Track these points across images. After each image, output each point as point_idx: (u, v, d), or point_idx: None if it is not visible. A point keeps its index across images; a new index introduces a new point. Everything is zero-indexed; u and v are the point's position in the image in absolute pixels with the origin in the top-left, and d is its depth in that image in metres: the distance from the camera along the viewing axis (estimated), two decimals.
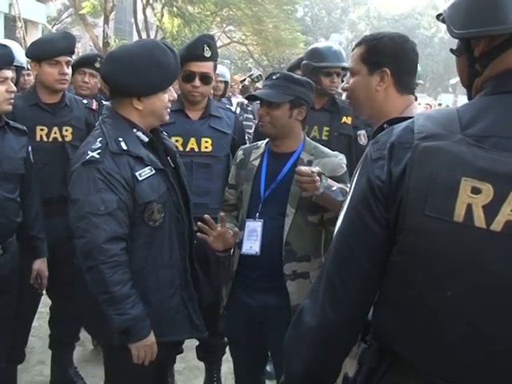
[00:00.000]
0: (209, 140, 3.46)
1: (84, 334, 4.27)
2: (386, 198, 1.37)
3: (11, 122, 3.21)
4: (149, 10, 24.86)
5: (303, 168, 2.61)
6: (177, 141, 3.38)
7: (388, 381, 1.44)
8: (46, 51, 3.59)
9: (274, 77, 2.88)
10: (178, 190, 2.67)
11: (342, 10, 55.95)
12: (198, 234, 2.75)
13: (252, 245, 2.80)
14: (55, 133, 3.67)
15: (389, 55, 2.16)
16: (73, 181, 2.50)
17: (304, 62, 4.13)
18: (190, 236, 2.75)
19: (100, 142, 2.50)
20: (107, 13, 22.28)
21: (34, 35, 19.34)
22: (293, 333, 1.56)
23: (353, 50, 2.29)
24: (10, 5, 17.40)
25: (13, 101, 3.11)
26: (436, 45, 52.99)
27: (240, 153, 3.05)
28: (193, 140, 3.44)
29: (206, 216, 2.75)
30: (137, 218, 2.51)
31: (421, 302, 1.34)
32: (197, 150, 3.44)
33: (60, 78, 3.61)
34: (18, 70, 4.61)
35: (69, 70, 3.68)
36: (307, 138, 2.97)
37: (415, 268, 1.33)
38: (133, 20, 25.64)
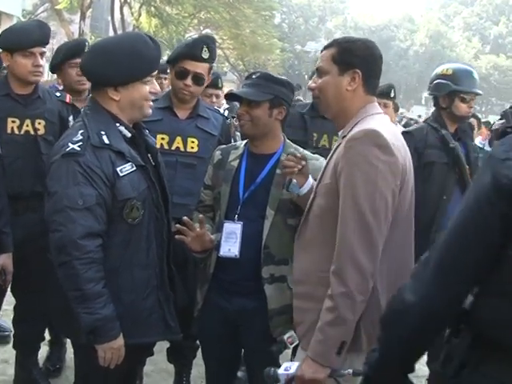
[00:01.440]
0: (195, 140, 3.37)
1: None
2: (511, 195, 1.44)
3: None
4: (126, 9, 24.76)
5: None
6: (163, 138, 3.31)
7: (481, 374, 1.52)
8: (19, 42, 3.41)
9: (253, 76, 2.82)
10: (157, 188, 2.60)
11: (319, 19, 56.38)
12: (176, 236, 2.67)
13: (231, 247, 2.72)
14: (27, 125, 3.50)
15: (361, 58, 2.26)
16: (51, 173, 2.41)
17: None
18: (168, 236, 2.67)
19: (81, 134, 2.42)
20: (84, 9, 22.15)
21: None
22: (394, 307, 1.68)
23: (321, 51, 2.35)
24: None
25: None
26: (410, 57, 53.63)
27: (217, 153, 2.97)
28: (179, 139, 3.35)
29: (184, 218, 2.68)
30: (115, 215, 2.43)
31: None
32: (182, 149, 3.35)
33: (34, 70, 3.43)
34: None
35: (43, 62, 3.52)
36: (287, 140, 2.91)
37: None
38: (110, 18, 25.48)
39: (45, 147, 3.45)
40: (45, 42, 3.50)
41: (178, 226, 2.65)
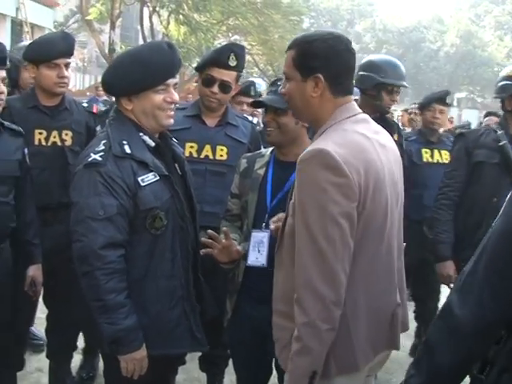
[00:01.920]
0: (224, 148, 3.37)
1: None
2: None
3: (6, 123, 3.12)
4: (155, 18, 24.90)
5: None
6: (191, 147, 3.31)
7: None
8: (44, 53, 3.45)
9: (279, 82, 2.77)
10: (183, 198, 2.58)
11: (347, 22, 56.13)
12: (202, 250, 2.65)
13: (258, 256, 2.70)
14: (54, 137, 3.54)
15: (321, 59, 2.06)
16: (74, 183, 2.44)
17: (364, 73, 3.99)
18: (195, 246, 2.66)
19: (104, 144, 2.43)
20: (113, 19, 22.34)
21: None
22: (442, 325, 1.64)
23: (285, 52, 2.20)
24: (17, 9, 17.39)
25: (2, 102, 3.00)
26: (441, 58, 53.02)
27: (243, 161, 2.95)
28: (208, 147, 3.35)
29: (209, 231, 2.66)
30: (138, 225, 2.43)
31: None
32: (211, 157, 3.35)
33: (59, 81, 3.47)
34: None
35: (68, 73, 3.53)
36: None
37: None
38: (139, 27, 25.69)
39: (72, 158, 3.48)
40: (69, 53, 3.52)
41: (203, 239, 2.63)
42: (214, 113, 3.41)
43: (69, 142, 3.57)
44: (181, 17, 22.97)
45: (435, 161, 4.79)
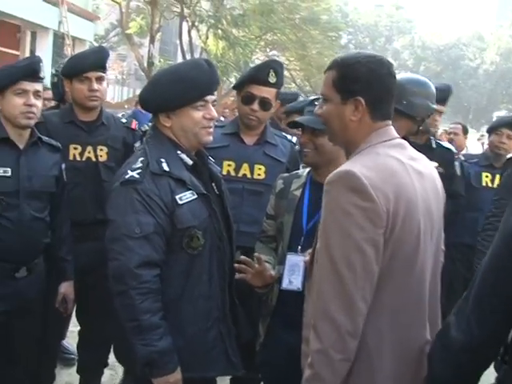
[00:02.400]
0: (262, 167, 3.31)
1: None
2: None
3: (45, 138, 3.12)
4: (194, 32, 25.14)
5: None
6: (229, 165, 3.26)
7: None
8: (74, 67, 3.47)
9: (316, 102, 2.70)
10: (220, 217, 2.53)
11: (386, 39, 55.97)
12: (237, 276, 2.60)
13: (293, 280, 2.63)
14: (89, 152, 3.51)
15: (363, 83, 1.99)
16: (111, 201, 2.41)
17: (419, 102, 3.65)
18: (231, 267, 2.60)
19: (141, 161, 2.40)
20: (153, 33, 22.60)
21: None
22: (439, 344, 1.81)
23: (324, 73, 2.11)
24: (60, 22, 17.66)
25: (33, 115, 2.97)
26: (480, 76, 52.49)
27: (279, 182, 2.89)
28: (246, 166, 3.29)
29: (242, 257, 2.61)
30: (175, 244, 2.38)
31: None
32: (249, 176, 3.29)
33: (90, 95, 3.44)
34: None
35: (102, 86, 3.50)
36: None
37: None
38: (178, 41, 25.95)
39: (106, 174, 3.46)
40: (100, 66, 3.49)
41: (236, 265, 2.57)
42: (253, 131, 3.36)
43: (104, 158, 3.54)
44: (219, 31, 23.14)
45: (495, 186, 4.56)
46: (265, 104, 3.25)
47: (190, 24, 24.34)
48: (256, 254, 2.61)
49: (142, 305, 2.25)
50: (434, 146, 4.07)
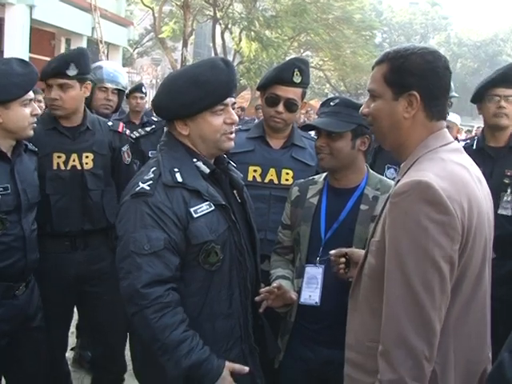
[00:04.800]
0: (290, 172, 3.11)
1: None
2: None
3: (30, 146, 3.00)
4: (227, 35, 25.19)
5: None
6: (255, 170, 3.09)
7: None
8: (41, 73, 3.19)
9: (331, 103, 2.55)
10: (242, 228, 2.36)
11: (421, 36, 55.31)
12: (256, 298, 2.43)
13: (311, 294, 2.48)
14: (74, 160, 3.28)
15: (418, 76, 1.81)
16: (120, 215, 2.23)
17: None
18: (256, 281, 2.44)
19: (153, 172, 2.22)
20: (186, 37, 22.70)
21: (115, 58, 19.78)
22: None
23: (372, 68, 1.92)
24: (93, 28, 17.82)
25: (35, 125, 2.87)
26: None
27: (295, 189, 2.73)
28: (272, 171, 3.11)
29: (261, 290, 2.44)
30: (191, 260, 2.20)
31: None
32: (276, 181, 3.10)
33: (50, 104, 3.27)
34: (121, 93, 4.45)
35: (65, 94, 3.21)
36: (371, 171, 2.64)
37: None
38: (211, 44, 26.02)
39: (93, 182, 3.31)
40: (62, 73, 3.21)
41: (257, 298, 2.41)
42: (280, 134, 3.18)
43: (89, 166, 3.33)
44: (252, 33, 23.10)
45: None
46: (290, 105, 3.07)
47: (222, 27, 24.41)
48: (275, 284, 2.45)
49: (159, 323, 2.09)
50: None
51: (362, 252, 2.15)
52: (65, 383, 3.55)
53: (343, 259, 2.28)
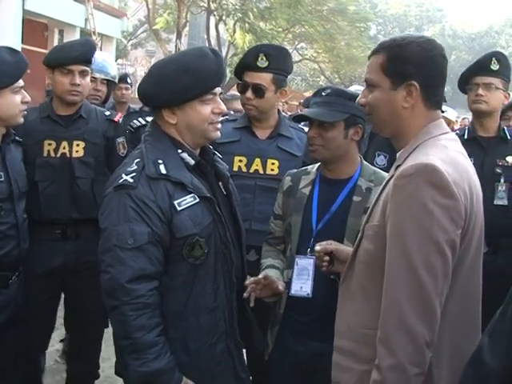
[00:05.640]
0: (275, 162, 3.11)
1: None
2: None
3: (17, 138, 3.02)
4: (221, 26, 25.07)
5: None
6: (240, 161, 3.08)
7: None
8: (58, 58, 3.27)
9: (323, 93, 2.54)
10: (227, 221, 2.33)
11: (415, 28, 55.13)
12: (245, 294, 2.42)
13: (302, 285, 2.46)
14: (64, 148, 3.28)
15: (416, 64, 1.81)
16: (103, 207, 2.21)
17: None
18: (241, 275, 2.41)
19: (137, 163, 2.19)
20: (180, 28, 22.58)
21: (109, 50, 19.70)
22: (472, 373, 1.46)
23: (368, 57, 1.92)
24: (86, 20, 17.73)
25: (26, 112, 2.89)
26: None
27: (287, 179, 2.72)
28: (258, 161, 3.10)
29: (247, 282, 2.43)
30: (175, 254, 2.18)
31: None
32: (262, 172, 3.10)
33: (71, 89, 3.26)
34: (110, 83, 4.46)
35: (85, 81, 3.32)
36: (365, 162, 2.63)
37: None
38: (205, 36, 25.91)
39: (81, 170, 3.29)
40: (85, 59, 3.31)
41: (245, 294, 2.39)
42: (265, 123, 3.18)
43: (80, 153, 3.31)
44: (246, 25, 23.00)
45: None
46: (257, 90, 3.05)
47: (217, 18, 24.30)
48: (262, 274, 2.45)
49: (136, 321, 2.06)
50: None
51: (350, 250, 2.15)
52: (36, 381, 3.51)
53: (327, 257, 2.26)
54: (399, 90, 1.83)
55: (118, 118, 3.58)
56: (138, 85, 2.35)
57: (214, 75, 2.26)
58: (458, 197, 1.65)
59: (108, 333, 2.65)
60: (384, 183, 1.89)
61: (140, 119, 4.07)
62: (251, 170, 3.10)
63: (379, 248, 1.77)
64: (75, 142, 3.30)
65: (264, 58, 3.02)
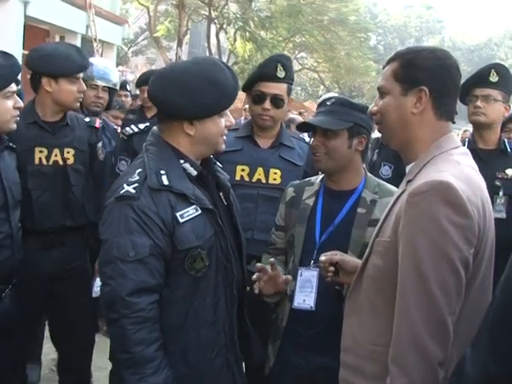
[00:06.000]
0: (278, 171, 3.08)
1: None
2: None
3: (11, 144, 2.95)
4: (222, 35, 25.14)
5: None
6: (243, 170, 3.05)
7: None
8: (64, 67, 3.18)
9: (328, 102, 2.52)
10: (228, 232, 2.29)
11: (415, 39, 55.36)
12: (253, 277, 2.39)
13: (305, 298, 2.42)
14: (56, 155, 3.21)
15: (428, 71, 1.79)
16: (104, 217, 2.15)
17: None
18: (242, 288, 2.37)
19: (139, 174, 2.14)
20: (181, 36, 22.64)
21: (110, 56, 19.71)
22: (454, 381, 1.45)
23: (383, 67, 1.91)
24: (87, 26, 17.76)
25: (18, 118, 2.82)
26: None
27: (290, 190, 2.68)
28: (260, 170, 3.07)
29: (257, 264, 2.40)
30: (176, 266, 2.13)
31: None
32: (264, 181, 3.07)
33: (79, 97, 3.26)
34: (112, 91, 4.36)
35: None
36: (369, 174, 2.60)
37: None
38: (206, 44, 25.98)
39: (74, 178, 3.26)
40: (85, 67, 3.31)
41: (254, 277, 2.37)
42: (268, 133, 3.15)
43: (71, 161, 3.27)
44: (247, 34, 23.07)
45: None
46: (277, 101, 3.03)
47: (217, 26, 24.37)
48: (271, 260, 2.40)
49: (136, 335, 2.01)
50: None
51: (356, 261, 2.14)
52: None
53: (332, 268, 2.23)
54: (409, 96, 1.81)
55: (98, 124, 3.55)
56: (150, 90, 2.25)
57: (235, 89, 2.26)
58: (472, 215, 1.63)
59: (105, 342, 2.61)
60: (395, 197, 1.85)
61: (133, 126, 4.06)
62: (253, 180, 3.07)
63: (389, 264, 1.74)
64: (66, 150, 3.25)
65: (282, 69, 3.01)
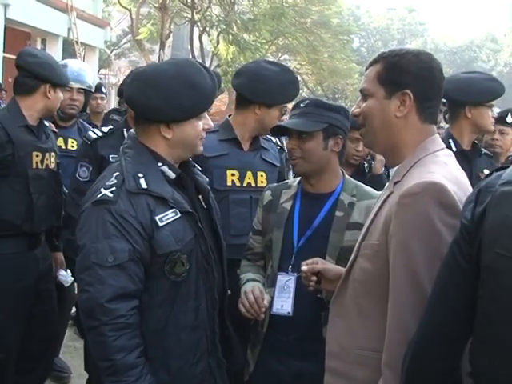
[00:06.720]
0: (263, 174, 3.08)
1: None
2: (470, 236, 1.43)
3: None
4: (205, 37, 25.08)
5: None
6: (233, 174, 3.02)
7: None
8: (63, 77, 3.40)
9: (301, 104, 2.49)
10: (208, 235, 2.26)
11: (398, 42, 55.57)
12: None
13: (283, 303, 2.40)
14: (47, 159, 3.29)
15: (413, 75, 1.78)
16: (81, 223, 2.10)
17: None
18: (223, 291, 2.36)
19: (116, 177, 2.10)
20: (163, 39, 22.54)
21: (92, 59, 19.64)
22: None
23: (366, 69, 1.89)
24: (69, 29, 17.68)
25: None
26: None
27: (267, 193, 2.65)
28: (249, 174, 3.05)
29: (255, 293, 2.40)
30: (156, 271, 2.10)
31: (497, 337, 1.36)
32: (254, 184, 3.06)
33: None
34: (88, 93, 4.35)
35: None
36: (347, 176, 2.57)
37: (490, 303, 1.37)
38: (189, 47, 25.90)
39: (59, 181, 3.42)
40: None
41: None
42: (248, 135, 3.12)
43: (53, 165, 3.37)
44: (230, 36, 23.01)
45: None
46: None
47: (200, 29, 24.29)
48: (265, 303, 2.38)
49: (116, 342, 1.98)
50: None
51: (338, 269, 2.11)
52: None
53: (314, 278, 2.19)
54: (393, 99, 1.81)
55: (54, 128, 3.69)
56: (126, 92, 2.21)
57: (213, 91, 2.24)
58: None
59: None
60: (382, 199, 1.82)
61: (96, 130, 4.03)
62: (244, 184, 3.04)
63: (379, 266, 1.72)
64: (51, 154, 3.33)
65: None
